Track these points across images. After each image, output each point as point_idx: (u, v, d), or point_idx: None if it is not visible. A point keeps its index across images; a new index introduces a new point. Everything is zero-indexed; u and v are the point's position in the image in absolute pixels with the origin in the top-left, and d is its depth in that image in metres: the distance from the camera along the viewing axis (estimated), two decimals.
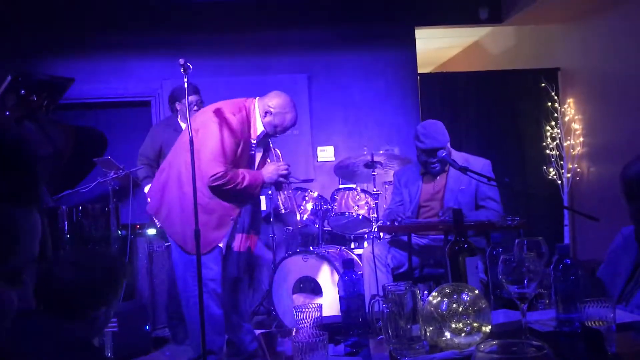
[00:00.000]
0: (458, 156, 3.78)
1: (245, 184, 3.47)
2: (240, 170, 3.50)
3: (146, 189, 4.76)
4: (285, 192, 3.93)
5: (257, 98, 3.67)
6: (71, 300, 1.79)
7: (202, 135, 3.43)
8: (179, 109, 4.76)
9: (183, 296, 3.62)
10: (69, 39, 5.96)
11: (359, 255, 4.34)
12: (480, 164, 3.74)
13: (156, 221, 3.66)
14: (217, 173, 3.38)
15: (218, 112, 3.50)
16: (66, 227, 4.72)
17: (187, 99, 4.74)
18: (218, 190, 3.46)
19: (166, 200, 3.53)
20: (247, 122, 3.57)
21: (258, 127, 3.61)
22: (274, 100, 3.60)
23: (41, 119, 4.44)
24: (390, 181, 4.99)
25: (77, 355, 1.68)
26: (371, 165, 4.74)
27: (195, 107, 4.71)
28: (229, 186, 3.43)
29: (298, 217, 4.65)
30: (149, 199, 3.72)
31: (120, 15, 6.04)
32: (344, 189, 4.73)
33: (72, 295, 1.79)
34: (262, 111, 3.60)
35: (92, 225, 4.85)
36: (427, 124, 3.84)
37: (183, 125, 4.76)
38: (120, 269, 1.96)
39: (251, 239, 3.81)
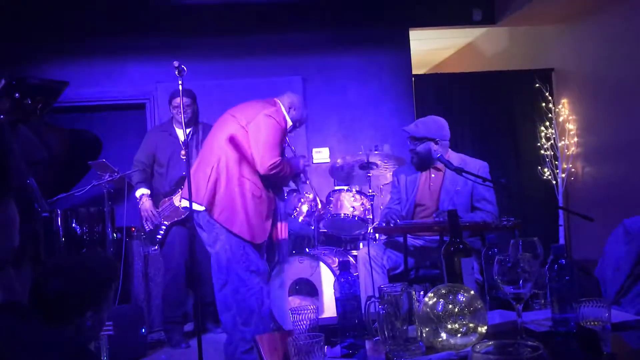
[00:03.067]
0: (455, 157, 3.79)
1: (288, 172, 3.78)
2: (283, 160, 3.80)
3: (137, 194, 4.76)
4: (307, 182, 4.33)
5: (276, 98, 3.95)
6: (55, 307, 1.79)
7: (255, 128, 3.66)
8: (172, 112, 4.77)
9: (242, 290, 3.64)
10: (64, 42, 5.95)
11: (355, 257, 4.34)
12: (477, 165, 3.74)
13: (211, 215, 3.65)
14: (275, 162, 3.63)
15: (265, 106, 3.77)
16: (61, 230, 4.71)
17: (174, 101, 4.74)
18: (267, 180, 3.71)
19: (221, 195, 3.62)
20: (283, 116, 3.83)
21: (287, 121, 3.89)
22: (293, 98, 3.96)
23: (35, 123, 4.43)
24: (386, 183, 5.00)
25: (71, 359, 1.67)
26: (366, 166, 4.74)
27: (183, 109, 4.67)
28: (281, 174, 3.70)
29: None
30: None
31: (115, 19, 6.03)
32: (340, 190, 4.73)
33: (56, 302, 1.79)
34: (287, 107, 3.90)
35: (87, 228, 4.83)
36: (428, 116, 3.94)
37: (178, 131, 4.76)
38: (105, 274, 1.95)
39: (286, 227, 4.11)
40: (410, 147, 3.83)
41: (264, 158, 3.62)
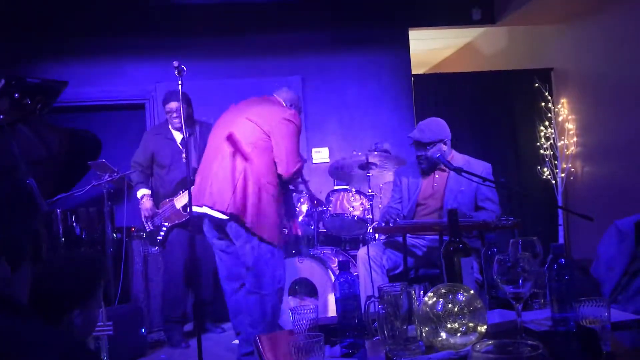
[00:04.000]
0: (460, 158, 3.80)
1: (301, 169, 3.81)
2: None
3: (139, 194, 4.75)
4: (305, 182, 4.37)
5: (274, 94, 3.93)
6: (44, 306, 1.80)
7: (279, 134, 3.64)
8: (166, 116, 4.77)
9: (258, 293, 3.65)
10: (63, 42, 5.95)
11: (355, 257, 4.34)
12: (480, 167, 3.74)
13: (244, 222, 3.61)
14: (299, 166, 3.69)
15: (279, 108, 3.77)
16: (61, 231, 4.71)
17: (166, 105, 4.75)
18: (283, 182, 3.74)
19: (251, 202, 3.58)
20: (299, 118, 3.82)
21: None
22: (291, 95, 3.95)
23: (35, 123, 4.44)
24: (386, 182, 5.00)
25: (70, 358, 1.68)
26: (366, 166, 4.74)
27: (175, 114, 4.65)
28: (299, 175, 3.79)
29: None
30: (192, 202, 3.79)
31: (114, 18, 6.03)
32: (339, 190, 4.73)
33: (44, 301, 1.80)
34: (288, 104, 3.88)
35: (86, 228, 4.83)
36: (428, 119, 3.90)
37: (175, 133, 4.75)
38: (91, 272, 1.95)
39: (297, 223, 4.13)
40: (419, 153, 3.79)
41: (290, 165, 3.63)
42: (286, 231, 3.89)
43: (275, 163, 3.65)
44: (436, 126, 3.80)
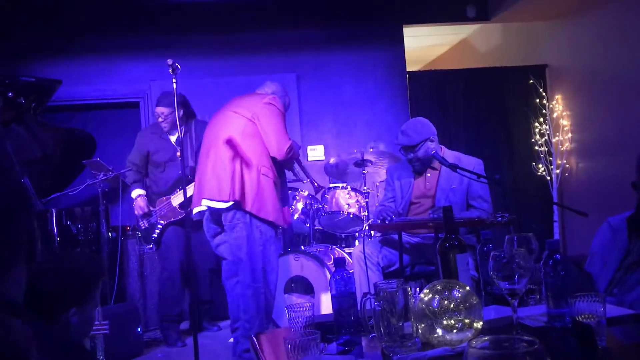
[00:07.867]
0: (450, 155, 3.80)
1: (295, 152, 3.87)
2: None
3: (133, 194, 4.75)
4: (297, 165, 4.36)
5: (257, 90, 4.02)
6: (40, 305, 1.79)
7: (263, 118, 3.73)
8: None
9: (253, 285, 3.69)
10: (57, 41, 5.93)
11: (350, 254, 4.35)
12: (472, 163, 3.75)
13: (243, 207, 3.65)
14: (289, 145, 3.74)
15: (261, 96, 3.86)
16: (56, 230, 4.69)
17: (156, 109, 4.73)
18: (279, 166, 3.82)
19: (249, 188, 3.66)
20: (280, 102, 3.91)
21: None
22: (274, 86, 4.03)
23: (29, 122, 4.42)
24: (382, 180, 5.00)
25: (67, 357, 1.67)
26: (361, 163, 4.74)
27: (162, 119, 4.63)
28: (294, 156, 3.85)
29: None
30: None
31: (108, 17, 6.01)
32: (335, 187, 4.73)
33: (41, 300, 1.79)
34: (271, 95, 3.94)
35: (81, 227, 4.82)
36: (410, 121, 3.92)
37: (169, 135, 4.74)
38: (88, 271, 1.94)
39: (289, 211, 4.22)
40: (409, 156, 3.80)
41: (280, 144, 3.71)
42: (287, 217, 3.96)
43: (267, 148, 3.74)
44: (421, 126, 3.80)
